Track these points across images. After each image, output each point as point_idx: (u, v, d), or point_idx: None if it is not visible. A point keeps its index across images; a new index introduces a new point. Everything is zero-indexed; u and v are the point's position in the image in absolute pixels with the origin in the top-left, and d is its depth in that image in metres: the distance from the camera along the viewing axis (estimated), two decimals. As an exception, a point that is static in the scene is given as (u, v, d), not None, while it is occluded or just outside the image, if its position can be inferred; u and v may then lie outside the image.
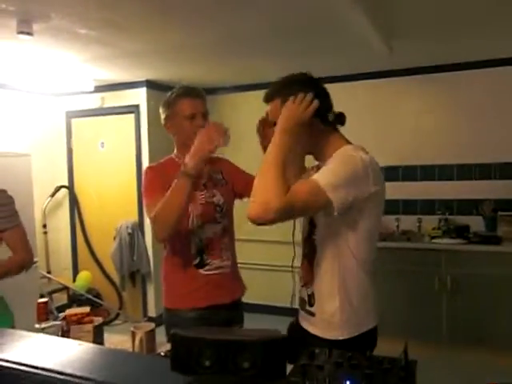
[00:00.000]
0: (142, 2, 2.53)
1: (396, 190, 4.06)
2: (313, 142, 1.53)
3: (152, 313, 4.71)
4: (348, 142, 1.54)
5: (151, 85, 4.66)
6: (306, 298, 1.59)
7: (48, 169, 4.98)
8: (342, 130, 1.58)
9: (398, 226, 4.15)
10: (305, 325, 1.60)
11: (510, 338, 3.55)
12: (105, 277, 4.96)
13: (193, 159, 1.69)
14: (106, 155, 4.93)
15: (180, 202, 1.69)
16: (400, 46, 3.50)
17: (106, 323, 4.41)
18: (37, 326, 1.48)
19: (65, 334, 1.50)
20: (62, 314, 1.62)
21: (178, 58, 3.83)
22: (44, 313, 1.48)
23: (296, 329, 1.65)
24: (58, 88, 4.54)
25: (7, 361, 0.92)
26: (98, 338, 1.59)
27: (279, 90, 1.52)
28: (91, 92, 4.65)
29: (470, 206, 4.11)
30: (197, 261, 1.89)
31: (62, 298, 4.71)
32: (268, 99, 1.55)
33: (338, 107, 1.53)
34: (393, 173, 4.13)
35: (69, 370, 0.88)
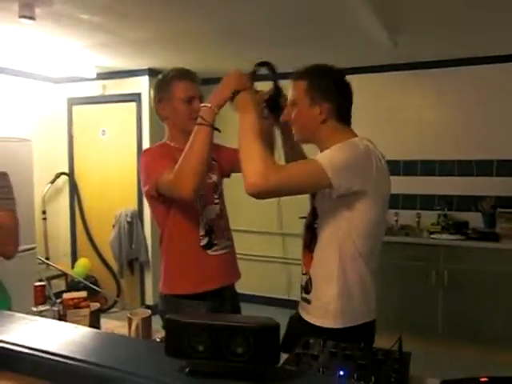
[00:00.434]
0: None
1: (396, 185, 4.02)
2: (325, 137, 1.53)
3: (150, 301, 4.74)
4: (354, 135, 1.55)
5: (153, 73, 4.63)
6: (304, 285, 1.60)
7: (48, 155, 4.98)
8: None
9: (396, 221, 4.16)
10: (302, 313, 1.61)
11: (506, 333, 3.57)
12: (103, 264, 4.98)
13: (211, 102, 1.56)
14: (107, 143, 4.93)
15: (203, 152, 1.55)
16: (404, 41, 3.48)
17: (104, 310, 4.43)
18: (34, 309, 1.48)
19: (61, 317, 1.51)
20: (60, 299, 1.62)
21: (180, 46, 3.82)
22: (41, 296, 1.49)
23: (297, 320, 1.65)
24: (60, 74, 4.53)
25: (4, 342, 0.93)
26: (94, 323, 1.59)
27: (309, 74, 1.54)
28: (93, 79, 4.63)
29: (469, 202, 4.11)
30: (205, 241, 1.84)
31: (60, 285, 4.73)
32: (294, 77, 1.57)
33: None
34: (393, 167, 4.10)
35: (64, 352, 0.89)
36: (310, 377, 0.87)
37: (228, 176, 2.04)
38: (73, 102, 5.07)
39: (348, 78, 1.57)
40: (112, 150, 4.90)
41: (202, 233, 1.84)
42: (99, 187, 4.99)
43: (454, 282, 3.71)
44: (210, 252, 1.85)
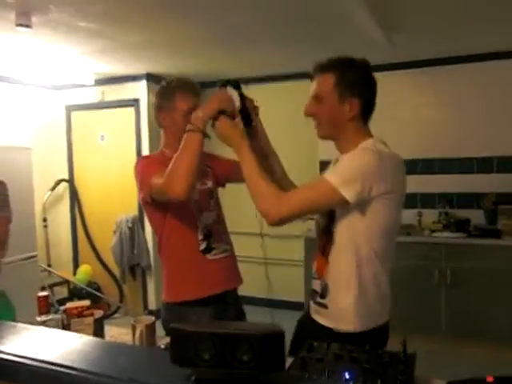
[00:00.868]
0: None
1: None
2: (348, 134, 1.51)
3: (152, 306, 4.73)
4: (371, 135, 1.54)
5: (151, 78, 4.64)
6: (319, 290, 1.56)
7: (48, 162, 4.98)
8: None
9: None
10: (316, 317, 1.58)
11: (510, 331, 3.56)
12: (105, 270, 4.97)
13: (202, 112, 1.60)
14: (106, 149, 4.93)
15: (194, 156, 1.58)
16: (401, 39, 3.48)
17: (107, 316, 4.43)
18: (38, 319, 1.48)
19: (65, 327, 1.51)
20: (62, 307, 1.62)
21: (177, 51, 3.82)
22: (45, 306, 1.49)
23: (305, 323, 1.65)
24: (58, 81, 4.53)
25: (9, 353, 0.93)
26: (98, 331, 1.59)
27: (336, 67, 1.47)
28: (91, 85, 4.63)
29: (470, 200, 4.11)
30: (203, 246, 1.85)
31: (62, 292, 4.72)
32: (319, 70, 1.50)
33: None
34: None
35: (69, 363, 0.88)
36: (315, 382, 0.87)
37: (223, 186, 2.05)
38: (71, 108, 5.07)
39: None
40: (111, 156, 4.90)
41: (200, 237, 1.85)
42: (99, 193, 4.99)
43: (456, 280, 3.70)
44: (209, 256, 1.85)
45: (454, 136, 4.18)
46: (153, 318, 1.62)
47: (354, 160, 1.40)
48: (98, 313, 1.64)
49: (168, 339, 1.64)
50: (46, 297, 1.53)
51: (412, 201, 4.23)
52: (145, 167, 1.83)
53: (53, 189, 5.00)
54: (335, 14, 2.87)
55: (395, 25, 3.16)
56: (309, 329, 1.59)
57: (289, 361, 1.18)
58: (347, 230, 1.46)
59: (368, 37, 3.23)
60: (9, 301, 1.37)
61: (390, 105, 4.33)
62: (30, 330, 1.10)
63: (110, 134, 4.92)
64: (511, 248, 3.56)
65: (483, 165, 4.09)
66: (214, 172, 2.00)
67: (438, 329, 3.78)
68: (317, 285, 1.58)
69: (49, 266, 4.80)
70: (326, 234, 1.54)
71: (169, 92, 1.84)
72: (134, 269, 4.79)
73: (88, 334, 1.49)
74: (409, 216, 4.17)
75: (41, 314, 1.48)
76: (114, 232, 4.66)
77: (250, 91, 5.41)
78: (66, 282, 4.73)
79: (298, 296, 4.21)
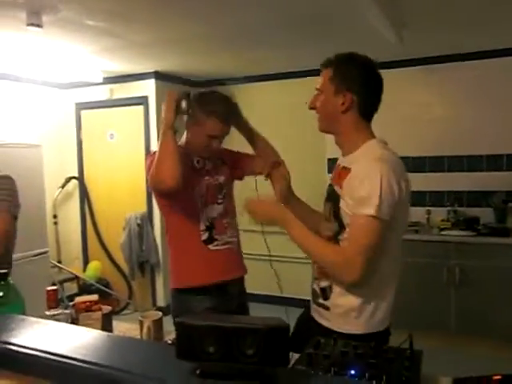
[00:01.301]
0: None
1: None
2: (345, 129, 1.52)
3: (161, 302, 4.76)
4: (373, 135, 1.54)
5: (160, 76, 4.66)
6: (320, 291, 1.56)
7: (58, 160, 5.03)
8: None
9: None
10: (317, 318, 1.58)
11: (519, 330, 3.54)
12: (114, 267, 5.01)
13: (165, 118, 1.78)
14: (116, 147, 4.96)
15: (172, 150, 1.74)
16: (411, 36, 3.46)
17: (116, 312, 4.46)
18: (47, 313, 1.50)
19: (74, 321, 1.53)
20: (72, 303, 1.64)
21: (186, 49, 3.83)
22: (54, 300, 1.51)
23: (305, 320, 1.65)
24: (67, 80, 4.56)
25: (18, 345, 0.94)
26: (106, 326, 1.61)
27: (337, 62, 1.51)
28: (100, 84, 4.66)
29: (479, 198, 4.07)
30: (205, 236, 1.93)
31: (72, 288, 4.77)
32: (322, 65, 1.54)
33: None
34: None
35: (77, 356, 0.90)
36: (321, 377, 0.87)
37: (241, 179, 2.13)
38: (81, 106, 5.11)
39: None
40: (120, 154, 4.94)
41: (202, 228, 1.93)
42: (109, 191, 5.03)
43: (465, 279, 3.68)
44: (211, 247, 1.94)
45: (463, 133, 4.14)
46: (160, 314, 1.63)
47: (374, 179, 1.37)
48: (106, 308, 1.65)
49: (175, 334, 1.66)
50: (54, 291, 1.55)
51: (421, 199, 4.20)
52: (150, 163, 1.90)
53: (63, 186, 5.05)
54: (344, 11, 2.87)
55: (405, 21, 3.14)
56: (309, 327, 1.59)
57: (294, 358, 1.19)
58: None
59: (377, 34, 3.21)
60: (18, 294, 1.40)
61: (399, 102, 4.31)
62: (39, 324, 1.11)
63: (119, 132, 4.95)
64: (521, 246, 3.54)
65: (493, 162, 4.05)
66: (231, 166, 2.07)
67: (447, 327, 3.76)
68: (318, 286, 1.58)
69: (59, 262, 4.85)
70: (332, 240, 1.52)
71: (205, 110, 1.87)
72: (143, 265, 4.82)
73: (96, 328, 1.50)
74: (417, 214, 4.15)
75: (50, 307, 1.50)
76: (124, 229, 4.70)
77: (258, 89, 5.43)
78: (76, 278, 4.77)
79: (306, 294, 4.21)
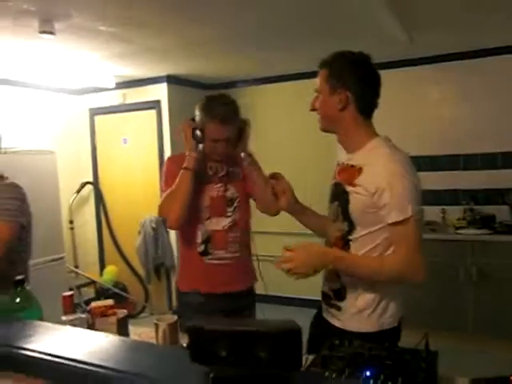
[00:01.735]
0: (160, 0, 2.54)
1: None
2: (345, 127, 1.53)
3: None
4: (375, 133, 1.54)
5: (172, 80, 4.69)
6: (332, 293, 1.57)
7: (73, 165, 5.09)
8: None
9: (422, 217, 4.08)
10: (330, 319, 1.59)
11: (538, 329, 3.47)
12: (130, 270, 5.05)
13: (189, 152, 1.92)
14: (129, 151, 5.01)
15: (184, 193, 1.88)
16: (421, 35, 3.44)
17: (133, 316, 4.50)
18: (63, 318, 1.52)
19: (90, 326, 1.54)
20: (89, 307, 1.66)
21: (197, 52, 3.85)
22: (70, 305, 1.52)
23: (320, 321, 1.64)
24: (81, 85, 4.62)
25: (37, 351, 0.96)
26: (122, 330, 1.62)
27: (331, 62, 1.52)
28: (113, 89, 4.71)
29: (495, 196, 4.01)
30: (201, 249, 1.99)
31: (89, 292, 4.82)
32: (319, 66, 1.55)
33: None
34: (416, 163, 3.99)
35: (95, 361, 0.91)
36: (335, 380, 0.87)
37: (250, 197, 2.14)
38: (94, 112, 5.17)
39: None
40: (134, 158, 4.98)
41: (199, 240, 1.99)
42: (124, 195, 5.07)
43: (483, 278, 3.63)
44: (206, 260, 1.99)
45: (478, 131, 4.09)
46: (175, 317, 1.64)
47: (398, 183, 1.39)
48: (122, 312, 1.67)
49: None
50: (70, 296, 1.57)
51: (436, 198, 4.15)
52: (165, 172, 2.03)
53: (78, 191, 5.11)
54: (353, 12, 2.85)
55: (415, 20, 3.11)
56: (323, 328, 1.59)
57: (309, 359, 1.19)
58: (368, 239, 1.46)
59: (387, 33, 3.20)
60: (36, 300, 1.41)
61: (412, 101, 4.28)
62: (56, 329, 1.13)
63: (132, 136, 4.99)
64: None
65: (508, 160, 3.99)
66: (245, 179, 2.06)
67: (464, 326, 3.71)
68: (330, 288, 1.58)
69: (76, 267, 4.90)
70: (342, 240, 1.53)
71: (205, 114, 1.92)
72: (159, 269, 4.85)
73: (112, 332, 1.52)
74: (433, 213, 4.10)
75: (66, 313, 1.52)
76: (139, 233, 4.73)
77: (268, 90, 5.41)
78: (93, 282, 4.82)
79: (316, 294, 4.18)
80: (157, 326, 1.60)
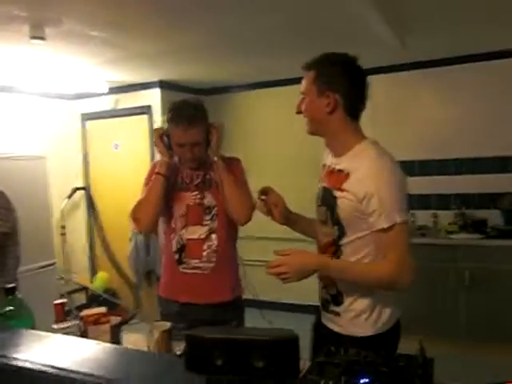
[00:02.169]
0: (151, 5, 2.54)
1: (411, 185, 3.97)
2: (333, 130, 1.51)
3: (169, 312, 4.75)
4: (363, 135, 1.52)
5: (164, 85, 4.68)
6: (330, 299, 1.56)
7: (64, 171, 5.04)
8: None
9: (413, 221, 4.10)
10: (329, 324, 1.58)
11: (531, 333, 3.49)
12: (121, 277, 5.01)
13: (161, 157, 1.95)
14: (121, 156, 4.98)
15: (155, 198, 1.91)
16: (413, 40, 3.46)
17: (124, 322, 4.45)
18: (54, 326, 1.50)
19: (82, 334, 1.52)
20: (80, 315, 1.64)
21: (189, 58, 3.85)
22: (61, 313, 1.50)
23: (320, 328, 1.64)
24: (73, 91, 4.59)
25: (28, 361, 0.94)
26: (115, 338, 1.61)
27: (318, 64, 1.50)
28: (105, 94, 4.69)
29: (487, 200, 4.04)
30: (176, 257, 1.99)
31: (80, 298, 4.76)
32: (305, 68, 1.53)
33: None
34: (408, 167, 4.06)
35: (86, 370, 0.89)
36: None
37: None
38: (86, 117, 5.14)
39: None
40: (126, 163, 4.95)
41: (174, 249, 1.99)
42: (115, 200, 5.03)
43: (475, 282, 3.64)
44: (180, 268, 1.99)
45: (470, 136, 4.12)
46: (169, 324, 1.62)
47: (386, 190, 1.39)
48: (115, 319, 1.65)
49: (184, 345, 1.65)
50: (62, 304, 1.55)
51: (427, 202, 4.17)
52: (147, 176, 2.04)
53: (69, 197, 5.06)
54: (346, 18, 2.87)
55: (407, 26, 3.14)
56: (323, 334, 1.59)
57: (306, 364, 1.18)
58: (361, 244, 1.46)
59: (379, 39, 3.22)
60: (28, 308, 1.39)
61: (404, 105, 4.30)
62: (47, 338, 1.11)
63: (124, 141, 4.97)
64: (530, 249, 3.50)
65: (500, 164, 4.02)
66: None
67: (457, 332, 3.72)
68: (328, 293, 1.57)
69: (67, 273, 4.85)
70: (333, 245, 1.52)
71: (167, 120, 1.92)
72: (150, 275, 4.81)
73: (105, 340, 1.50)
74: (424, 217, 4.12)
75: (58, 321, 1.50)
76: (130, 239, 4.70)
77: (261, 95, 5.41)
78: (84, 289, 4.77)
79: (313, 299, 4.18)
80: (150, 333, 1.59)
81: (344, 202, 1.44)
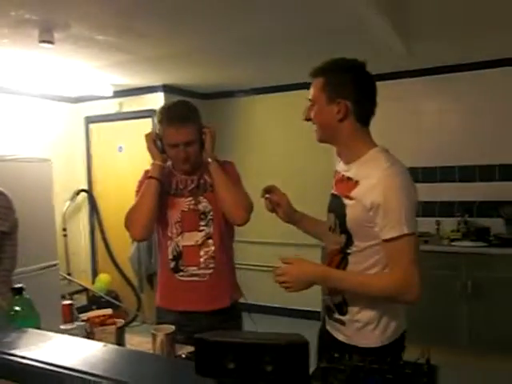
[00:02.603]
0: (157, 9, 2.56)
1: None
2: (343, 138, 1.49)
3: (170, 315, 4.75)
4: (374, 143, 1.51)
5: (168, 89, 4.70)
6: (334, 307, 1.54)
7: (68, 173, 5.06)
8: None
9: (416, 229, 4.09)
10: (333, 332, 1.56)
11: (533, 343, 3.47)
12: (123, 279, 5.01)
13: (153, 160, 1.93)
14: (124, 159, 4.99)
15: (149, 204, 1.86)
16: (419, 47, 3.48)
17: (126, 325, 4.45)
18: (62, 327, 1.51)
19: (89, 335, 1.53)
20: (82, 315, 1.65)
21: (194, 62, 3.87)
22: (69, 314, 1.51)
23: (325, 334, 1.62)
24: (77, 94, 4.62)
25: (36, 360, 0.95)
26: (120, 340, 1.61)
27: (327, 70, 1.48)
28: (109, 97, 4.71)
29: (490, 208, 4.03)
30: (172, 265, 1.94)
31: (81, 300, 4.77)
32: (312, 75, 1.51)
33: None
34: (412, 174, 4.01)
35: (92, 370, 0.90)
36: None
37: None
38: (90, 120, 5.16)
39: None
40: (129, 166, 4.96)
41: (170, 257, 1.94)
42: (118, 203, 5.04)
43: (478, 291, 3.63)
44: (177, 276, 1.94)
45: (475, 143, 4.11)
46: (173, 327, 1.63)
47: (395, 200, 1.36)
48: (120, 321, 1.66)
49: (188, 348, 1.66)
50: (70, 305, 1.56)
51: (430, 209, 4.17)
52: (138, 184, 2.02)
53: (72, 199, 5.08)
54: (350, 23, 2.88)
55: (413, 33, 3.15)
56: (328, 341, 1.57)
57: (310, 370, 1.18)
58: (368, 252, 1.44)
59: (386, 46, 3.23)
60: (34, 308, 1.40)
61: (409, 112, 4.31)
62: (56, 338, 1.12)
63: (127, 145, 4.98)
64: (533, 257, 3.49)
65: (504, 172, 4.02)
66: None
67: (460, 341, 3.71)
68: (331, 301, 1.55)
69: (68, 274, 4.86)
70: (340, 253, 1.50)
71: (159, 123, 1.91)
72: (152, 278, 4.82)
73: (110, 342, 1.51)
74: (427, 224, 4.12)
75: (65, 322, 1.51)
76: (132, 242, 4.71)
77: (264, 100, 5.40)
78: (85, 290, 4.78)
79: (314, 305, 4.18)
80: (154, 335, 1.59)
81: (352, 210, 1.43)
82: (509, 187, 3.99)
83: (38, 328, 1.31)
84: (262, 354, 0.75)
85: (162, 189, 1.90)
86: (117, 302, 4.70)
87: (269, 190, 1.73)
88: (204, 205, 1.91)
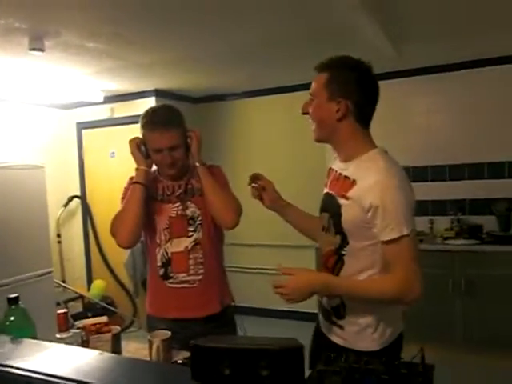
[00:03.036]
0: (147, 16, 2.57)
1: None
2: (341, 137, 1.47)
3: (166, 320, 4.74)
4: (373, 144, 1.49)
5: (160, 94, 4.70)
6: (331, 310, 1.52)
7: (61, 179, 5.05)
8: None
9: (410, 228, 4.11)
10: (330, 335, 1.54)
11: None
12: (118, 285, 5.00)
13: (138, 166, 1.91)
14: (117, 165, 4.98)
15: (135, 209, 1.85)
16: (408, 48, 3.50)
17: (122, 331, 4.43)
18: (57, 336, 1.50)
19: (84, 343, 1.53)
20: (77, 323, 1.64)
21: (185, 67, 3.87)
22: (64, 323, 1.51)
23: (319, 336, 1.61)
24: (69, 100, 4.61)
25: (32, 371, 0.95)
26: (116, 347, 1.61)
27: (332, 67, 1.46)
28: (101, 103, 4.70)
29: (482, 206, 4.07)
30: (161, 272, 1.92)
31: (77, 307, 4.75)
32: (318, 69, 1.48)
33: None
34: (403, 174, 4.06)
35: (90, 380, 0.90)
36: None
37: None
38: (82, 126, 5.15)
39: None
40: (122, 172, 4.93)
41: (159, 264, 1.93)
42: (111, 209, 4.97)
43: (471, 288, 3.66)
44: (167, 283, 1.92)
45: (464, 141, 4.16)
46: (169, 333, 1.63)
47: (393, 201, 1.35)
48: (115, 328, 1.65)
49: (184, 353, 1.66)
50: (65, 314, 1.55)
51: (423, 208, 4.20)
52: (124, 191, 2.03)
53: (66, 205, 5.06)
54: (341, 27, 2.90)
55: (402, 35, 3.17)
56: (323, 344, 1.55)
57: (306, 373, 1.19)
58: (364, 253, 1.42)
59: (375, 47, 3.25)
60: (30, 318, 1.39)
61: (399, 112, 4.34)
62: (52, 348, 1.12)
63: (120, 150, 4.97)
64: (526, 254, 3.52)
65: (495, 170, 4.06)
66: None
67: (454, 339, 3.73)
68: (329, 304, 1.53)
69: (63, 281, 4.84)
70: (335, 254, 1.48)
71: (141, 126, 1.89)
72: (147, 283, 4.80)
73: (106, 350, 1.50)
74: (420, 223, 4.13)
75: (60, 331, 1.50)
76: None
77: (256, 103, 5.40)
78: (81, 297, 4.75)
79: (309, 307, 4.19)
80: (150, 342, 1.59)
81: (348, 210, 1.40)
82: (500, 184, 4.03)
83: (34, 338, 1.30)
84: (258, 359, 0.76)
85: (147, 194, 1.88)
86: (112, 308, 4.68)
87: (255, 178, 1.74)
88: (192, 210, 1.89)
